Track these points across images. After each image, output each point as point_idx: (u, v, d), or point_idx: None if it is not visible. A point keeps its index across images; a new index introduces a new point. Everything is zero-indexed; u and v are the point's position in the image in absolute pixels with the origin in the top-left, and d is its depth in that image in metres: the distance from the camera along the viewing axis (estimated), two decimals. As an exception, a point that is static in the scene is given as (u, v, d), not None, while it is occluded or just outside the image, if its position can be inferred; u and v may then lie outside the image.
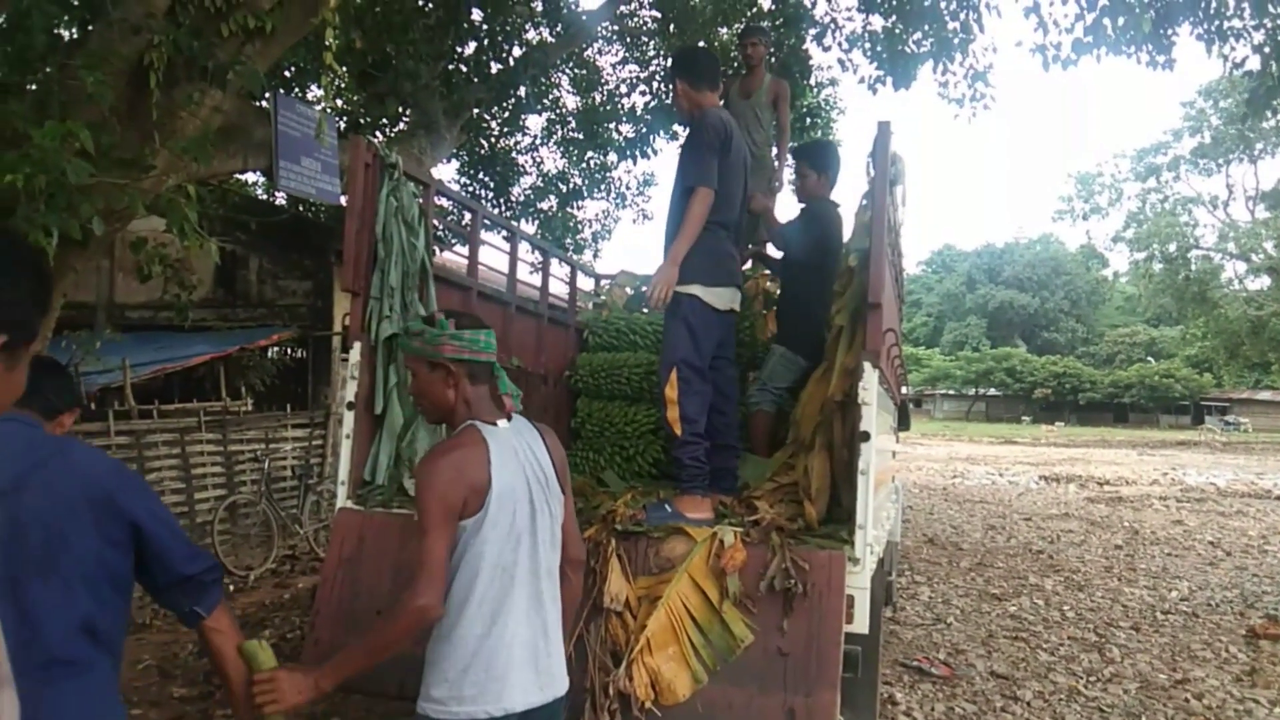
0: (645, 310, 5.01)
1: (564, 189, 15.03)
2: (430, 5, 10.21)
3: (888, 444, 5.59)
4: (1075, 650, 6.61)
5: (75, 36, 5.56)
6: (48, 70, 4.89)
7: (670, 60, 4.70)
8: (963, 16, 10.23)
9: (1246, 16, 8.67)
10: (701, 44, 11.52)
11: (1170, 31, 8.71)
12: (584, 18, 12.16)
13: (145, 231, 6.73)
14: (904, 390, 7.22)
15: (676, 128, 12.71)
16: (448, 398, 2.41)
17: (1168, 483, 20.31)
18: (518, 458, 2.37)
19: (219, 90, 5.52)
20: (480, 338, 2.42)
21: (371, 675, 3.39)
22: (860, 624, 3.28)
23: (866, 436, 3.39)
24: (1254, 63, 8.60)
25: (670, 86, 4.61)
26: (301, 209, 12.22)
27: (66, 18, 5.60)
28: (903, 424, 7.08)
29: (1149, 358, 65.04)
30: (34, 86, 4.97)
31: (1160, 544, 11.55)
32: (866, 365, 3.43)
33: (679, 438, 3.87)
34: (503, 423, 2.42)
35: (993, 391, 65.44)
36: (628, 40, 14.07)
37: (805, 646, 3.14)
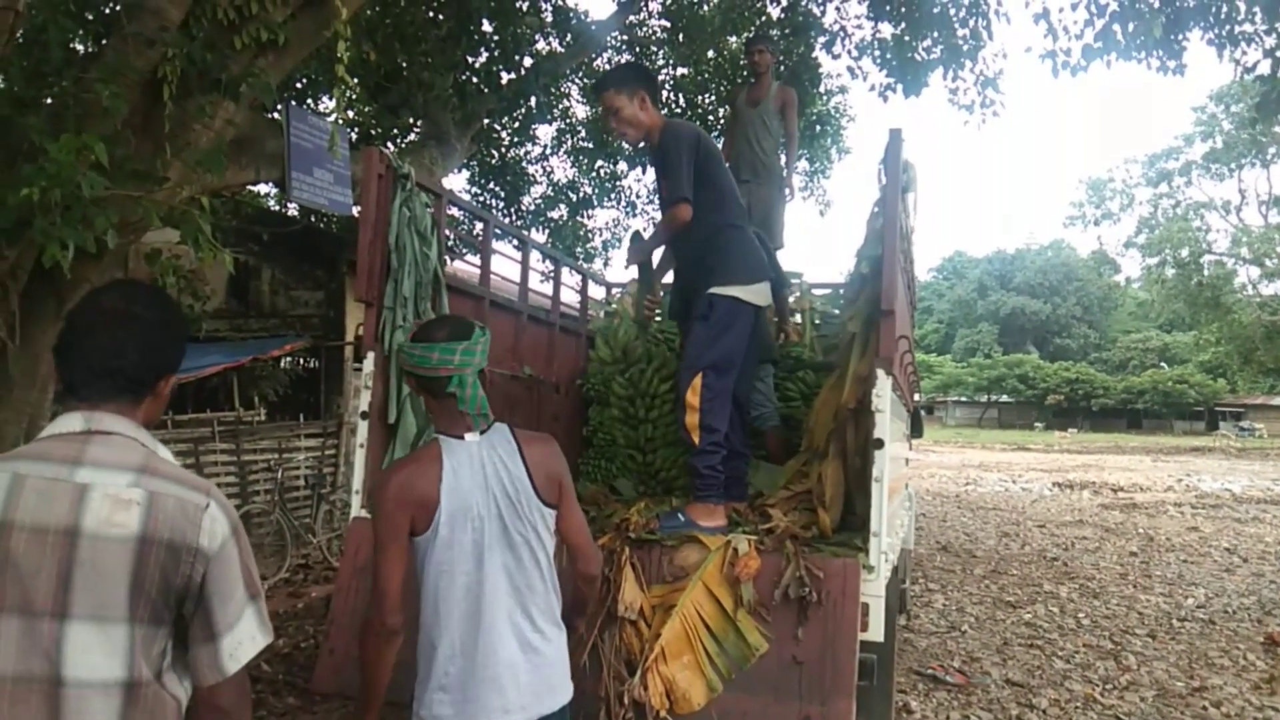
0: (659, 319, 4.98)
1: (574, 198, 15.07)
2: (441, 17, 10.25)
3: (901, 451, 5.57)
4: (1091, 658, 6.56)
5: (90, 50, 5.60)
6: (63, 84, 4.92)
7: (619, 74, 4.17)
8: (972, 23, 10.22)
9: (1258, 21, 8.63)
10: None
11: (1181, 36, 8.68)
12: (593, 28, 12.20)
13: (159, 243, 6.77)
14: (916, 397, 7.21)
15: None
16: (428, 407, 2.44)
17: (1182, 489, 20.18)
18: (483, 472, 2.31)
19: (232, 102, 5.55)
20: (416, 351, 2.33)
21: (391, 685, 3.41)
22: (875, 632, 3.27)
23: (880, 444, 3.38)
24: (1265, 67, 8.55)
25: (619, 105, 3.88)
26: (313, 220, 12.27)
27: (82, 32, 5.65)
28: (915, 431, 7.06)
29: (1162, 363, 64.72)
30: (50, 100, 5.01)
31: (1176, 551, 11.47)
32: (880, 372, 3.43)
33: (697, 446, 3.81)
34: (471, 436, 2.34)
35: (1005, 398, 65.21)
36: (637, 50, 14.11)
37: (820, 655, 3.13)
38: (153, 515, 1.54)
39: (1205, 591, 8.95)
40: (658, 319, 5.35)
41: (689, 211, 3.82)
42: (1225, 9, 8.47)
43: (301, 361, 12.71)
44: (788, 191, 6.93)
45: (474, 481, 2.28)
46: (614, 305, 7.03)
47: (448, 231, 4.80)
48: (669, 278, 4.70)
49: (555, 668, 2.37)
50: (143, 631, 1.53)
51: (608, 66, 14.42)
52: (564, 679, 2.40)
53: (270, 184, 10.98)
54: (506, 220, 13.24)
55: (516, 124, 13.44)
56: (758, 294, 4.00)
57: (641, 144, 4.11)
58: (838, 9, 11.85)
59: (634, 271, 5.06)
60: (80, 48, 5.71)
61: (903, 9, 10.39)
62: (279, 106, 7.82)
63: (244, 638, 1.64)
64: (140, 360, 1.66)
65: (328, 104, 11.49)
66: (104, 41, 5.48)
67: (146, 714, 1.53)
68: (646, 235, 4.57)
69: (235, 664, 1.62)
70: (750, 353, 4.18)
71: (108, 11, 5.84)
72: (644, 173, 14.76)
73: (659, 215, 4.36)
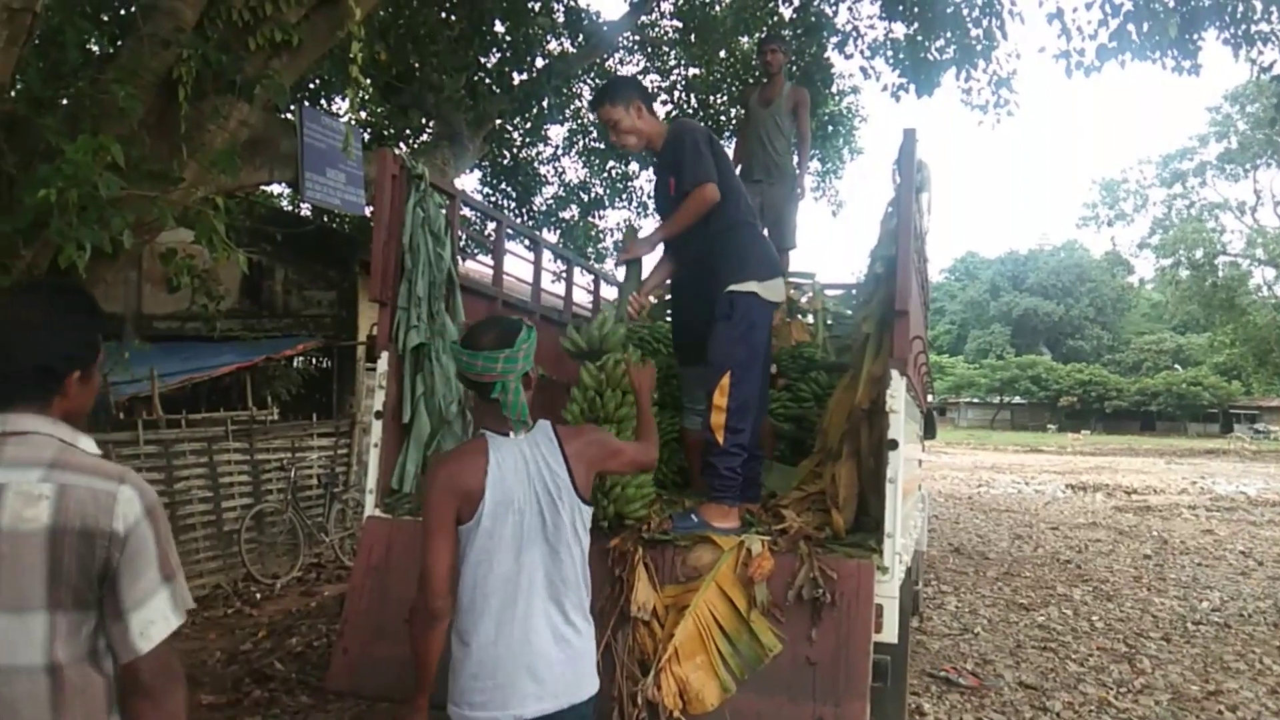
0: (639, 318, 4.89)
1: (585, 198, 15.10)
2: (454, 18, 10.29)
3: (914, 452, 5.55)
4: (1105, 661, 6.53)
5: (106, 52, 5.64)
6: (80, 85, 4.95)
7: (615, 87, 4.07)
8: (985, 23, 10.17)
9: (1274, 20, 8.58)
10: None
11: (1196, 36, 8.63)
12: (605, 28, 12.22)
13: (173, 243, 6.81)
14: (929, 398, 7.18)
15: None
16: (475, 404, 2.58)
17: (1197, 492, 20.06)
18: (526, 469, 2.41)
19: (246, 103, 5.58)
20: (463, 357, 2.45)
21: (400, 684, 3.42)
22: (889, 633, 3.26)
23: (894, 444, 3.37)
24: (1281, 66, 8.52)
25: (618, 116, 3.89)
26: (326, 220, 12.32)
27: (98, 33, 5.68)
28: (928, 432, 7.04)
29: (1176, 365, 64.34)
30: (66, 101, 5.04)
31: (1190, 554, 11.41)
32: (894, 373, 3.42)
33: (720, 446, 3.78)
34: (515, 434, 2.46)
35: (1017, 400, 64.93)
36: (649, 50, 14.13)
37: (834, 656, 3.12)
38: (62, 506, 1.60)
39: (1220, 595, 8.90)
40: (637, 318, 5.29)
41: (716, 192, 3.82)
42: (1241, 8, 8.42)
43: (314, 361, 12.75)
44: (800, 191, 6.93)
45: (517, 477, 2.39)
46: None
47: (460, 232, 4.80)
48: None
49: (584, 660, 2.44)
50: (67, 617, 1.60)
51: (619, 67, 14.46)
52: (592, 672, 2.47)
53: (284, 184, 11.01)
54: (518, 220, 13.26)
55: (528, 124, 13.46)
56: (774, 290, 3.99)
57: (645, 150, 4.11)
58: (850, 9, 11.86)
59: (639, 268, 5.02)
60: (96, 49, 5.75)
61: (915, 9, 10.36)
62: (292, 107, 7.85)
63: (155, 616, 1.67)
64: (35, 361, 1.72)
65: (341, 105, 11.55)
66: (120, 43, 5.52)
67: (75, 694, 1.61)
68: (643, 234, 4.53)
69: (147, 642, 1.65)
70: (768, 351, 4.19)
71: (124, 13, 5.88)
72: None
73: (659, 219, 4.30)
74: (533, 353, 2.48)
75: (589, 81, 14.46)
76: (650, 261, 4.43)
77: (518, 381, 2.43)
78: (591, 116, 14.99)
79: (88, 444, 1.76)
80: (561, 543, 2.41)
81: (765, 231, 6.87)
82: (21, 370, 1.72)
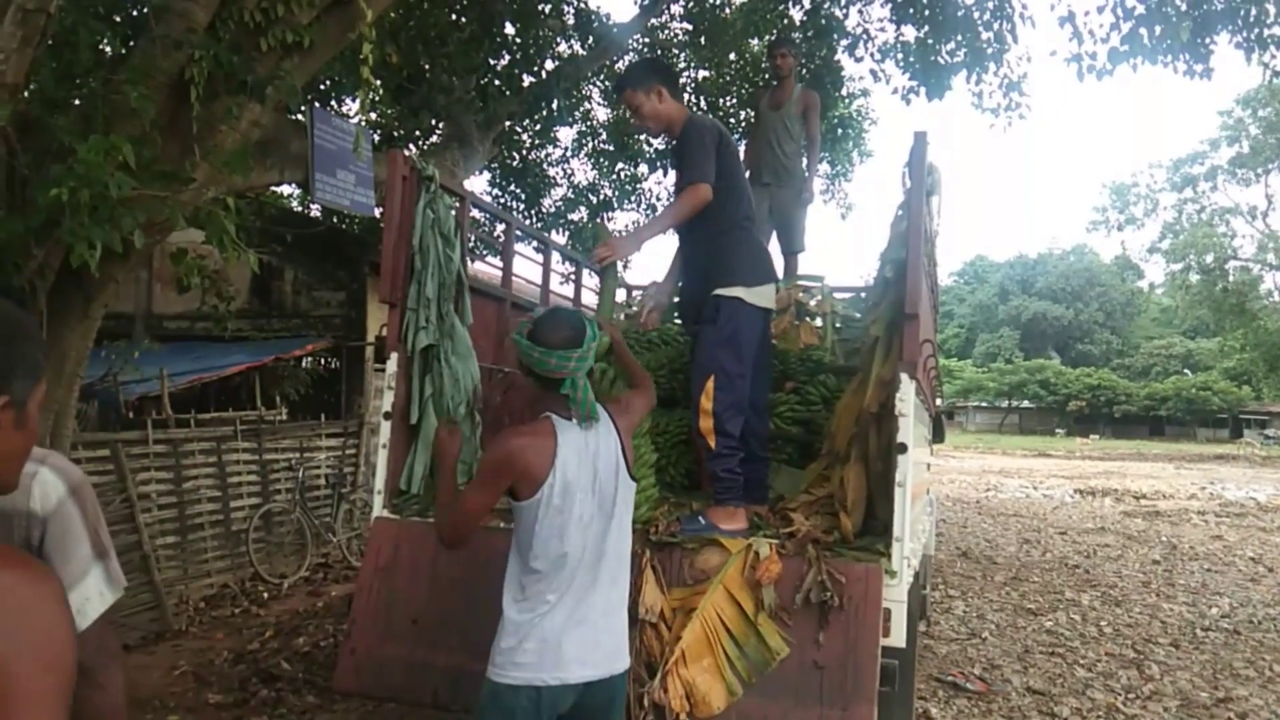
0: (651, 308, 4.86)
1: (595, 200, 15.08)
2: (464, 20, 10.30)
3: (923, 456, 5.54)
4: (1113, 667, 6.51)
5: (119, 52, 5.66)
6: (92, 85, 4.98)
7: (637, 71, 4.20)
8: (996, 26, 10.15)
9: (1288, 24, 8.54)
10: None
11: (1208, 40, 8.59)
12: (615, 30, 12.21)
13: (184, 243, 6.84)
14: (938, 402, 7.16)
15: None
16: (535, 395, 2.68)
17: (1206, 497, 19.97)
18: (589, 450, 2.55)
19: (258, 104, 5.59)
20: (535, 354, 2.54)
21: (407, 684, 3.42)
22: (897, 637, 3.26)
23: (904, 448, 3.36)
24: (1294, 71, 8.48)
25: (639, 100, 3.90)
26: (336, 221, 12.35)
27: (110, 34, 5.70)
28: (937, 436, 7.02)
29: (1185, 370, 64.02)
30: (79, 101, 5.06)
31: (1199, 559, 11.36)
32: (904, 376, 3.41)
33: (713, 450, 3.79)
34: (582, 427, 2.58)
35: (1026, 404, 64.70)
36: (659, 53, 14.11)
37: (842, 660, 3.11)
38: None
39: (1230, 601, 8.85)
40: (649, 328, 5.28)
41: (709, 192, 3.77)
42: (1254, 11, 8.38)
43: (323, 361, 12.78)
44: (808, 195, 6.92)
45: (582, 459, 2.53)
46: (634, 307, 7.04)
47: (470, 233, 4.80)
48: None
49: (623, 635, 2.61)
50: None
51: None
52: (626, 646, 2.62)
53: (294, 185, 11.03)
54: (527, 222, 13.27)
55: (538, 126, 13.47)
56: (762, 296, 3.95)
57: (663, 136, 4.12)
58: (860, 12, 11.83)
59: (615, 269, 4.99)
60: (109, 50, 5.78)
61: (926, 12, 10.34)
62: (303, 108, 7.87)
63: (90, 594, 1.68)
64: None
65: (351, 106, 11.58)
66: (132, 43, 5.55)
67: None
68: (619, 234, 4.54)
69: (83, 619, 1.65)
70: (764, 355, 4.16)
71: (136, 14, 5.90)
72: (665, 175, 14.75)
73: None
74: (597, 351, 2.64)
75: (599, 84, 14.47)
76: (656, 267, 4.44)
77: (585, 379, 2.57)
78: (601, 118, 15.05)
79: None
80: (616, 519, 2.57)
81: (775, 234, 6.88)
82: None
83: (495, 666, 2.47)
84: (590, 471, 2.54)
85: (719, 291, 3.84)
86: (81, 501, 1.72)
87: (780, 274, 5.56)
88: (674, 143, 4.07)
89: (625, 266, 4.52)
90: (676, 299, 4.78)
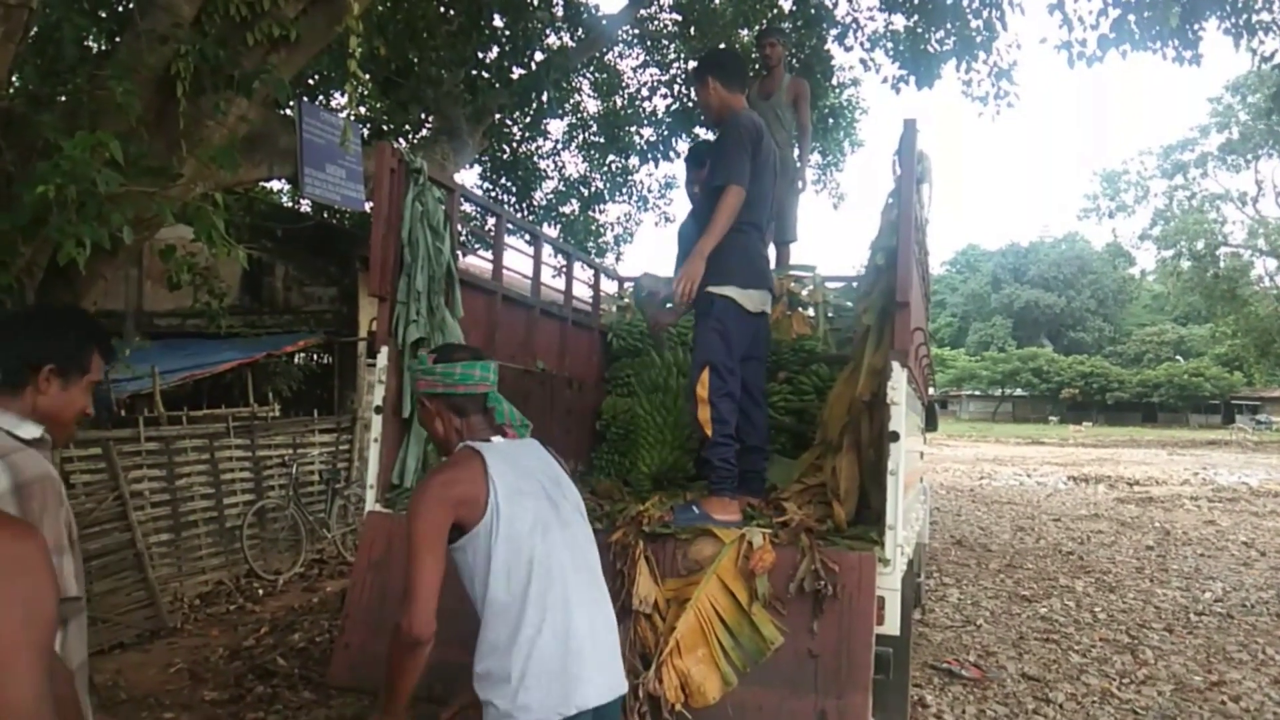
0: (669, 306, 4.94)
1: (586, 193, 15.05)
2: (452, 12, 10.25)
3: (916, 444, 5.55)
4: (1107, 652, 6.53)
5: (104, 48, 5.63)
6: (78, 81, 4.95)
7: (700, 59, 4.58)
8: (985, 14, 10.14)
9: (1276, 9, 8.56)
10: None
11: (1197, 26, 8.60)
12: (604, 22, 12.19)
13: (173, 239, 6.81)
14: (930, 390, 7.17)
15: (698, 130, 12.72)
16: (436, 429, 2.53)
17: (1199, 483, 20.06)
18: (521, 462, 2.43)
19: (245, 99, 5.57)
20: (455, 371, 2.46)
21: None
22: (891, 625, 3.26)
23: (896, 436, 3.36)
24: (1283, 56, 8.50)
25: (696, 87, 4.28)
26: (326, 216, 12.30)
27: (96, 29, 5.67)
28: (930, 425, 7.03)
29: (1177, 356, 64.28)
30: (64, 98, 5.04)
31: (1192, 544, 11.40)
32: (895, 364, 3.41)
33: (709, 438, 3.82)
34: (498, 439, 2.47)
35: (1019, 392, 64.92)
36: (648, 43, 14.08)
37: (836, 648, 3.12)
38: None
39: (1223, 585, 8.89)
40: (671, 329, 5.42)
41: (742, 194, 3.85)
42: (1242, -3, 8.39)
43: (315, 357, 12.74)
44: (800, 184, 6.91)
45: (517, 468, 2.38)
46: (626, 299, 7.03)
47: (460, 226, 4.79)
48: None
49: (616, 655, 2.44)
50: None
51: (619, 61, 14.44)
52: (621, 668, 2.46)
53: (283, 180, 11.01)
54: (518, 215, 13.24)
55: (528, 119, 13.41)
56: (751, 299, 3.98)
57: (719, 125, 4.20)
58: (850, 1, 11.81)
59: (655, 273, 5.04)
60: (94, 45, 5.74)
61: (915, 0, 10.33)
62: (291, 103, 7.83)
63: None
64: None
65: (339, 100, 11.52)
66: (117, 39, 5.52)
67: None
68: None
69: None
70: (759, 348, 4.19)
71: (121, 9, 5.86)
72: (656, 167, 14.74)
73: (671, 206, 4.40)
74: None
75: (589, 75, 14.43)
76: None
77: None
78: (591, 110, 15.02)
79: (25, 431, 1.89)
80: (573, 525, 2.44)
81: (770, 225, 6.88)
82: None
83: (502, 715, 2.21)
84: (532, 479, 2.39)
85: (710, 288, 3.87)
86: (25, 498, 1.73)
87: (773, 265, 5.57)
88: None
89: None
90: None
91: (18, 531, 1.23)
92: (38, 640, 1.17)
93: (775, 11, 12.28)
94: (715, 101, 4.13)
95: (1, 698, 1.11)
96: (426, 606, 2.20)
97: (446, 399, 2.48)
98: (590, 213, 15.14)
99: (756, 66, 7.51)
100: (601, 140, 14.79)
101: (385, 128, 11.79)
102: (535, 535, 2.31)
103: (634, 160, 14.93)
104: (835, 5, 11.85)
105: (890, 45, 11.19)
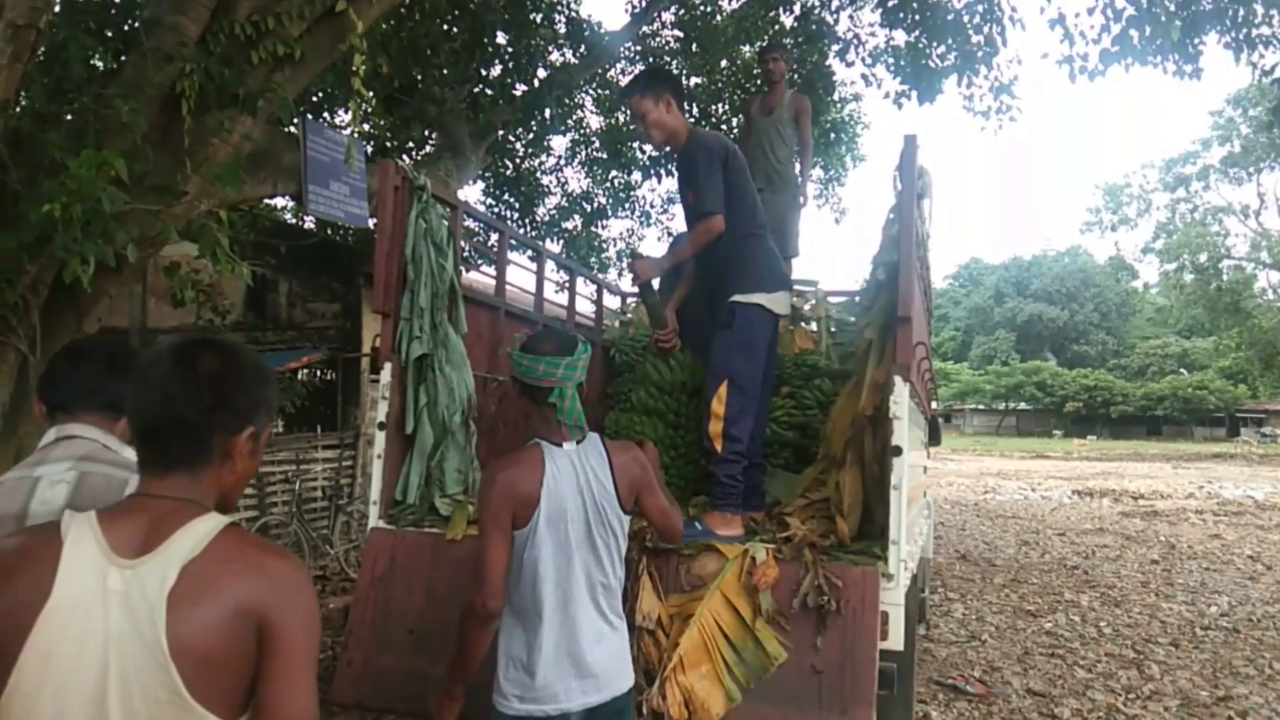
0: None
1: (588, 208, 15.09)
2: (455, 29, 10.32)
3: (919, 459, 5.54)
4: (1113, 667, 6.50)
5: (110, 67, 5.66)
6: (83, 100, 4.97)
7: (648, 77, 4.37)
8: (987, 30, 10.18)
9: (1275, 23, 8.59)
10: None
11: (1198, 40, 8.64)
12: (606, 39, 12.25)
13: (177, 256, 6.84)
14: (934, 405, 7.17)
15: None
16: (519, 410, 2.74)
17: (1204, 496, 19.98)
18: (577, 480, 2.54)
19: (249, 117, 5.59)
20: (524, 361, 2.57)
21: (405, 695, 3.41)
22: (895, 641, 3.25)
23: (899, 451, 3.36)
24: (1283, 69, 8.51)
25: (648, 107, 3.91)
26: (330, 232, 12.34)
27: (101, 49, 5.70)
28: (933, 439, 7.03)
29: (1181, 370, 64.07)
30: (70, 116, 5.06)
31: (1198, 558, 11.36)
32: (897, 379, 3.41)
33: (719, 454, 3.80)
34: (569, 445, 2.58)
35: (1023, 406, 64.70)
36: (650, 60, 14.14)
37: (840, 664, 3.11)
38: (79, 490, 1.82)
39: (1229, 599, 8.86)
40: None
41: (721, 224, 3.86)
42: (1242, 12, 8.43)
43: (318, 374, 12.77)
44: (802, 199, 6.93)
45: (569, 487, 2.52)
46: (629, 315, 7.04)
47: (463, 243, 4.80)
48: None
49: (623, 654, 2.62)
50: None
51: (622, 77, 14.48)
52: (629, 665, 2.64)
53: (287, 197, 11.04)
54: (521, 231, 13.27)
55: (531, 135, 13.48)
56: (778, 302, 4.01)
57: (667, 146, 4.14)
58: (851, 17, 11.88)
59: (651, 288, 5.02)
60: (100, 64, 5.77)
61: (916, 16, 10.38)
62: (295, 120, 7.87)
63: None
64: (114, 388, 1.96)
65: (343, 117, 11.56)
66: (123, 58, 5.54)
67: None
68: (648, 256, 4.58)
69: None
70: (770, 360, 4.18)
71: (127, 28, 5.89)
72: (659, 183, 14.79)
73: (674, 222, 4.40)
74: (587, 366, 2.64)
75: (591, 92, 14.48)
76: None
77: (574, 390, 2.58)
78: (594, 126, 15.07)
79: (128, 453, 1.91)
80: (605, 549, 2.56)
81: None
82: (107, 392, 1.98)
83: (502, 696, 2.48)
84: (577, 499, 2.52)
85: (737, 298, 3.88)
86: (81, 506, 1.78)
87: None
88: (674, 154, 4.11)
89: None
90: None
91: (299, 562, 1.46)
92: (316, 650, 1.43)
93: (777, 28, 12.35)
94: (673, 122, 3.98)
95: (296, 706, 1.37)
96: (493, 584, 2.46)
97: (520, 385, 2.63)
98: (593, 228, 15.17)
99: (759, 83, 7.54)
100: (604, 156, 14.85)
101: (389, 145, 11.85)
102: (562, 558, 2.49)
103: (636, 176, 14.99)
104: (837, 21, 11.93)
105: (891, 61, 11.23)
